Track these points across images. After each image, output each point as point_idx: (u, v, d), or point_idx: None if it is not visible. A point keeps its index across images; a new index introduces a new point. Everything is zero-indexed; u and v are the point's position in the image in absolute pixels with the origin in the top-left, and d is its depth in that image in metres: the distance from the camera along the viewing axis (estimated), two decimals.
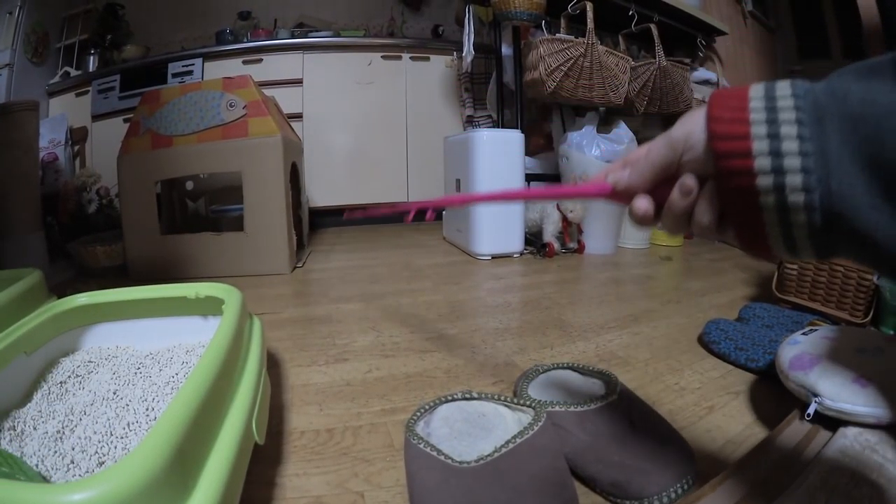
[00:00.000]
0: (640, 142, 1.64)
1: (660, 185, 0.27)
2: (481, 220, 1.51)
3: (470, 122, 2.25)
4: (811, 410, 0.49)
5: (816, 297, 0.95)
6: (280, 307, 1.04)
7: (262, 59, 2.12)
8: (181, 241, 1.32)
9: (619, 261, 1.57)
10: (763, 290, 1.17)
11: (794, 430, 0.49)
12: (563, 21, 1.63)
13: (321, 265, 1.47)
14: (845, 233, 0.20)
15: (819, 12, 2.21)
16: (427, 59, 2.27)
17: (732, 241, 0.25)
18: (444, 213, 1.87)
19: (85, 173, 1.83)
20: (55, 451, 0.41)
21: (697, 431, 0.56)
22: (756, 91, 0.22)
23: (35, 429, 0.45)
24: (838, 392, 0.48)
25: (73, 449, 0.41)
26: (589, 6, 1.50)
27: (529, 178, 1.73)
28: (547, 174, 1.83)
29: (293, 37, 2.27)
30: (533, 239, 1.66)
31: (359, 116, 2.23)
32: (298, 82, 2.15)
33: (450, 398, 0.54)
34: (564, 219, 1.55)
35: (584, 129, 1.59)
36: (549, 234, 1.57)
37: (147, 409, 0.47)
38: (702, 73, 1.94)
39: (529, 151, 1.83)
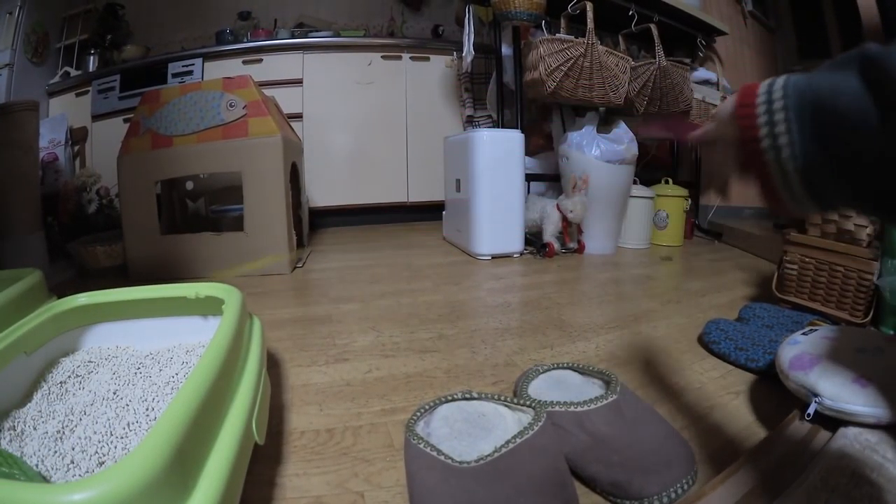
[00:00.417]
0: (640, 142, 1.64)
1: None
2: (481, 221, 1.51)
3: (470, 122, 2.25)
4: (811, 410, 0.49)
5: (816, 297, 0.95)
6: (280, 307, 1.04)
7: (262, 59, 2.12)
8: (181, 241, 1.32)
9: (619, 261, 1.57)
10: (763, 290, 1.17)
11: (794, 430, 0.49)
12: (563, 21, 1.63)
13: (321, 265, 1.47)
14: (820, 176, 0.29)
15: (819, 12, 2.21)
16: (427, 59, 2.27)
17: (754, 188, 0.34)
18: (444, 213, 1.87)
19: (85, 173, 1.83)
20: (55, 451, 0.41)
21: (697, 431, 0.56)
22: (762, 87, 0.32)
23: (35, 429, 0.45)
24: (838, 392, 0.48)
25: (73, 449, 0.41)
26: (589, 6, 1.50)
27: (529, 177, 1.73)
28: (547, 174, 1.83)
29: (293, 37, 2.27)
30: (533, 239, 1.66)
31: (359, 116, 2.23)
32: (298, 82, 2.15)
33: (450, 398, 0.54)
34: (564, 219, 1.55)
35: (584, 129, 1.59)
36: (549, 234, 1.57)
37: (147, 409, 0.47)
38: (702, 73, 1.94)
39: (529, 151, 1.83)
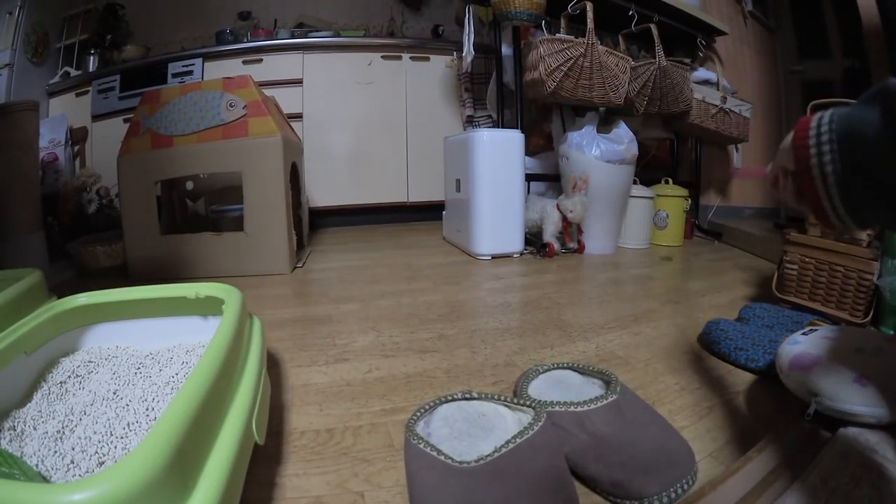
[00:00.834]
0: (639, 142, 1.64)
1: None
2: (481, 221, 1.51)
3: (470, 122, 2.25)
4: (811, 410, 0.49)
5: (816, 297, 0.95)
6: (280, 307, 1.04)
7: (262, 59, 2.12)
8: (181, 241, 1.32)
9: (619, 261, 1.57)
10: (763, 290, 1.17)
11: (794, 430, 0.49)
12: (563, 21, 1.63)
13: (321, 265, 1.47)
14: (862, 203, 0.35)
15: (819, 12, 2.21)
16: (427, 59, 2.27)
17: (806, 210, 0.40)
18: (444, 213, 1.87)
19: (85, 173, 1.83)
20: (55, 451, 0.41)
21: (697, 431, 0.56)
22: (813, 122, 0.38)
23: (35, 429, 0.45)
24: (838, 392, 0.48)
25: (73, 449, 0.41)
26: (589, 6, 1.50)
27: (529, 177, 1.73)
28: (547, 174, 1.83)
29: (293, 37, 2.27)
30: (533, 239, 1.66)
31: (359, 116, 2.23)
32: (298, 82, 2.15)
33: (450, 398, 0.54)
34: (564, 219, 1.55)
35: (584, 129, 1.59)
36: (549, 235, 1.57)
37: (147, 409, 0.47)
38: (702, 73, 1.94)
39: (529, 151, 1.83)
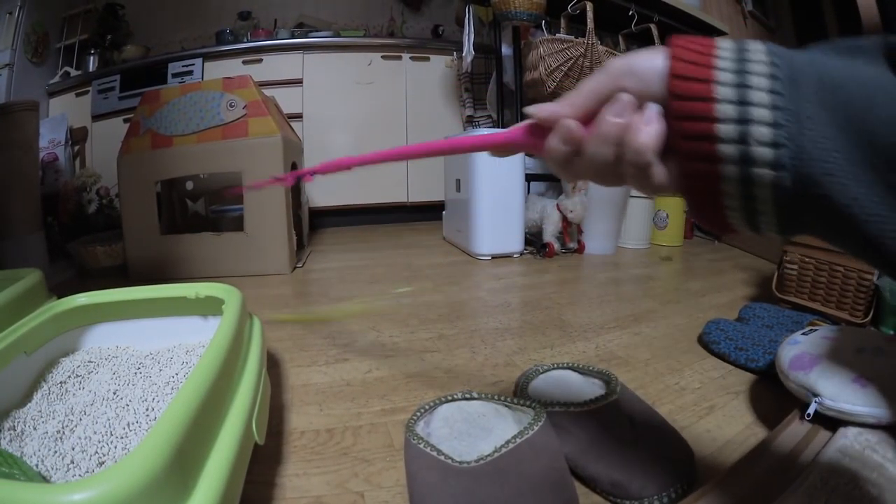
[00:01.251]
0: None
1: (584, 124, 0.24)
2: (481, 221, 1.51)
3: (470, 122, 2.25)
4: (811, 410, 0.49)
5: (816, 297, 0.95)
6: (280, 307, 1.04)
7: (262, 59, 2.12)
8: (181, 241, 1.32)
9: (619, 261, 1.57)
10: (763, 290, 1.17)
11: (794, 430, 0.49)
12: (563, 21, 1.63)
13: (321, 265, 1.47)
14: (816, 200, 0.19)
15: (819, 12, 2.21)
16: (427, 59, 2.27)
17: (678, 195, 0.23)
18: (444, 213, 1.87)
19: (85, 173, 1.83)
20: (55, 451, 0.41)
21: (697, 431, 0.56)
22: (725, 41, 0.21)
23: (35, 429, 0.45)
24: (838, 392, 0.48)
25: (73, 449, 0.41)
26: (589, 6, 1.50)
27: (529, 177, 1.73)
28: (547, 174, 1.83)
29: (293, 37, 2.27)
30: (533, 239, 1.66)
31: (359, 116, 2.23)
32: (298, 82, 2.15)
33: (450, 398, 0.54)
34: (564, 219, 1.55)
35: None
36: (549, 235, 1.57)
37: (147, 409, 0.47)
38: None
39: None
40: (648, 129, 0.21)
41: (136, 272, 1.31)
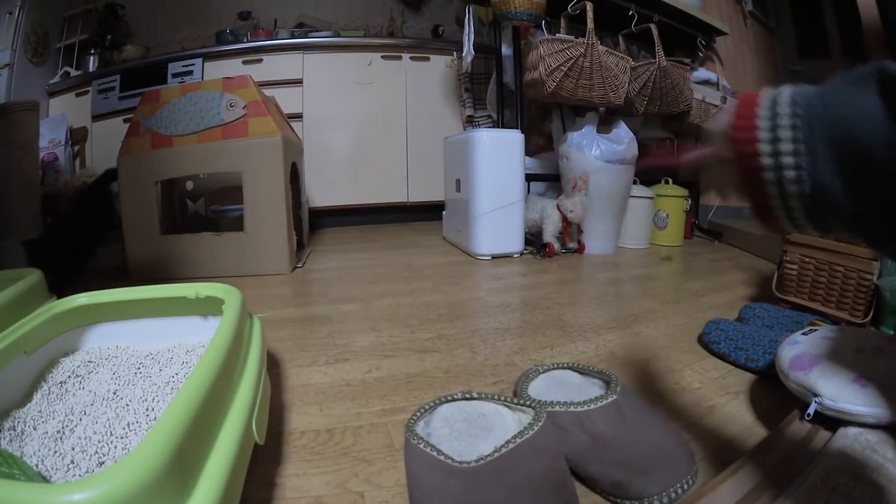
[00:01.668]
0: (639, 142, 1.64)
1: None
2: (481, 221, 1.51)
3: (470, 122, 2.25)
4: (811, 410, 0.49)
5: (816, 297, 0.95)
6: (280, 307, 1.04)
7: (262, 59, 2.12)
8: (181, 241, 1.32)
9: (619, 261, 1.57)
10: (763, 290, 1.17)
11: (794, 430, 0.49)
12: (563, 21, 1.63)
13: (321, 265, 1.47)
14: (831, 212, 0.26)
15: (819, 12, 2.21)
16: (427, 59, 2.27)
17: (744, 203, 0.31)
18: (444, 213, 1.87)
19: (85, 173, 1.84)
20: (55, 451, 0.41)
21: (697, 431, 0.56)
22: (764, 99, 0.28)
23: (35, 429, 0.45)
24: (838, 392, 0.48)
25: (73, 449, 0.41)
26: (589, 6, 1.50)
27: (529, 178, 1.73)
28: (547, 174, 1.83)
29: (293, 37, 2.27)
30: (533, 239, 1.66)
31: (359, 116, 2.23)
32: (298, 82, 2.15)
33: (450, 398, 0.54)
34: (564, 219, 1.55)
35: (584, 129, 1.59)
36: (549, 235, 1.57)
37: (147, 409, 0.47)
38: (702, 73, 1.94)
39: (529, 151, 1.83)
40: (726, 178, 0.32)
41: (136, 272, 1.31)
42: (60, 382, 0.53)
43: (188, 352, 0.61)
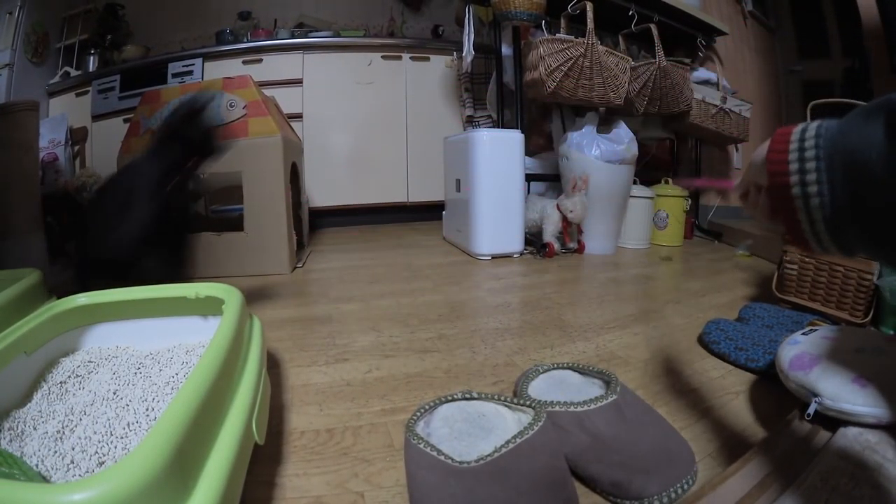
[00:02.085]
0: (639, 142, 1.64)
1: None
2: (481, 221, 1.51)
3: (470, 122, 2.25)
4: (811, 410, 0.49)
5: (816, 297, 0.95)
6: (280, 307, 1.04)
7: (262, 59, 2.12)
8: None
9: (619, 261, 1.57)
10: (763, 290, 1.17)
11: (794, 430, 0.49)
12: (563, 21, 1.63)
13: (321, 265, 1.47)
14: (849, 235, 0.29)
15: (819, 12, 2.21)
16: (427, 59, 2.27)
17: (781, 231, 0.34)
18: (444, 213, 1.87)
19: (85, 173, 1.83)
20: (55, 451, 0.41)
21: (697, 431, 0.56)
22: (795, 134, 0.31)
23: (35, 429, 0.45)
24: (838, 392, 0.48)
25: (73, 449, 0.41)
26: (589, 6, 1.50)
27: (529, 178, 1.73)
28: (547, 174, 1.83)
29: (293, 37, 2.27)
30: (533, 239, 1.66)
31: (359, 116, 2.23)
32: (298, 82, 2.15)
33: (450, 398, 0.54)
34: (564, 219, 1.55)
35: (584, 129, 1.59)
36: (549, 235, 1.57)
37: (147, 409, 0.47)
38: (702, 73, 1.94)
39: (529, 151, 1.83)
40: (762, 200, 0.36)
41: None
42: (60, 382, 0.53)
43: (188, 352, 0.61)
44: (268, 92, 1.54)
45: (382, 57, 2.22)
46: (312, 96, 2.17)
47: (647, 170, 1.96)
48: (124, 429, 0.44)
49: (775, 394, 0.62)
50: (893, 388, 0.46)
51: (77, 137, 2.20)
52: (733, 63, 2.20)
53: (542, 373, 0.63)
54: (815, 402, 0.49)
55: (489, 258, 1.52)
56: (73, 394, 0.51)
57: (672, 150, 2.16)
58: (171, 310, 0.63)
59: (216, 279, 0.68)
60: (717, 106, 1.85)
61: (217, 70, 2.06)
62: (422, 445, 0.45)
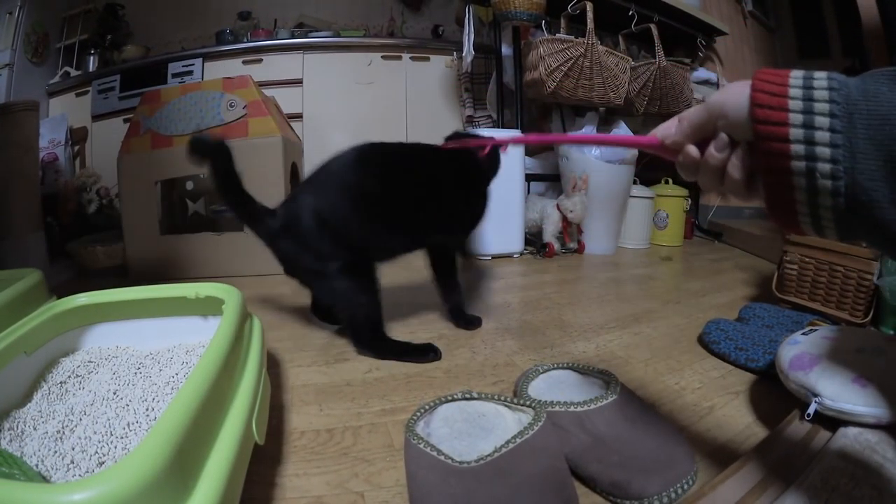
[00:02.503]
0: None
1: (700, 144, 0.31)
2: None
3: (470, 122, 2.24)
4: (811, 410, 0.49)
5: (816, 297, 0.95)
6: (280, 307, 1.04)
7: (262, 59, 2.12)
8: (181, 241, 1.32)
9: (619, 261, 1.57)
10: (763, 290, 1.17)
11: (794, 430, 0.49)
12: (563, 21, 1.63)
13: None
14: (866, 220, 0.23)
15: (819, 12, 2.21)
16: (427, 59, 2.27)
17: (761, 202, 0.27)
18: None
19: (85, 173, 1.83)
20: (55, 451, 0.41)
21: (697, 431, 0.56)
22: (796, 79, 0.24)
23: (35, 429, 0.45)
24: (838, 392, 0.48)
25: (73, 449, 0.41)
26: (589, 6, 1.50)
27: (529, 178, 1.73)
28: (547, 174, 1.83)
29: (293, 37, 2.27)
30: (533, 239, 1.66)
31: (359, 116, 2.23)
32: (298, 82, 2.15)
33: (450, 398, 0.54)
34: (564, 219, 1.55)
35: (584, 129, 1.59)
36: (549, 234, 1.57)
37: (147, 409, 0.47)
38: (702, 73, 1.94)
39: (529, 151, 1.83)
40: (737, 163, 0.28)
41: (136, 272, 1.31)
42: (60, 382, 0.53)
43: (188, 352, 0.61)
44: (268, 92, 1.54)
45: (382, 57, 2.22)
46: (312, 96, 2.17)
47: (647, 170, 1.96)
48: (124, 429, 0.44)
49: (775, 394, 0.62)
50: (893, 389, 0.46)
51: (77, 137, 2.20)
52: (733, 63, 2.20)
53: (542, 373, 0.63)
54: (815, 402, 0.49)
55: (489, 258, 1.52)
56: (73, 394, 0.51)
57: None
58: (171, 310, 0.63)
59: (216, 279, 0.68)
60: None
61: (217, 70, 2.06)
62: (422, 445, 0.45)
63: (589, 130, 1.59)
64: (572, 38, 1.49)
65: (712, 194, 2.07)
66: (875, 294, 0.84)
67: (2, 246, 1.28)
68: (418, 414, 0.51)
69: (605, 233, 1.65)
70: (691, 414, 0.60)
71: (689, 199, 1.87)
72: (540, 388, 0.60)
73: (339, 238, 0.72)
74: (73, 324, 0.60)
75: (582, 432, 0.48)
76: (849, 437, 0.45)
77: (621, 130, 1.60)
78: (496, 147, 0.80)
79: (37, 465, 0.39)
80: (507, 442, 0.45)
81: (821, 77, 0.24)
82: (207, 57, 2.12)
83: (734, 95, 0.27)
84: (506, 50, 1.77)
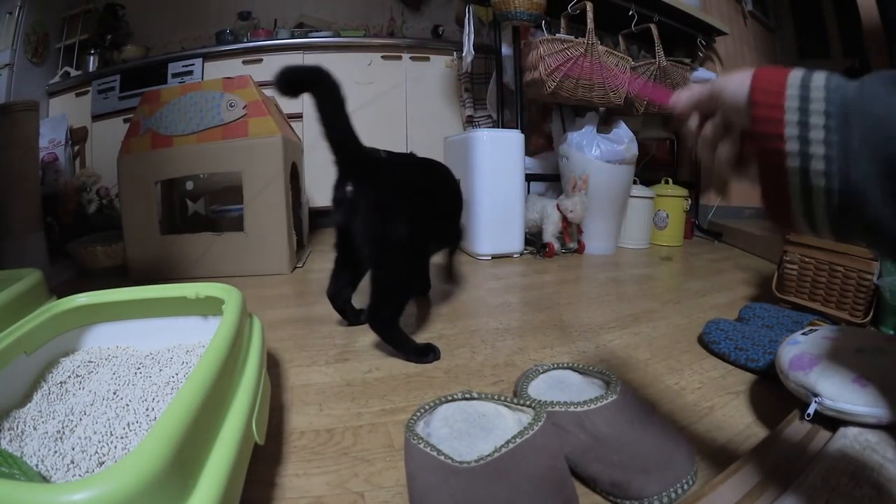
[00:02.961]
0: (639, 142, 1.64)
1: (703, 118, 0.33)
2: (481, 221, 1.51)
3: (470, 122, 2.25)
4: (811, 410, 0.49)
5: (816, 297, 0.95)
6: (280, 307, 1.04)
7: (262, 60, 2.12)
8: (181, 241, 1.32)
9: (619, 261, 1.57)
10: (763, 290, 1.17)
11: (794, 430, 0.49)
12: (563, 21, 1.63)
13: (321, 265, 1.47)
14: (859, 220, 0.23)
15: (819, 12, 2.21)
16: (427, 59, 2.27)
17: (746, 181, 0.29)
18: None
19: (85, 173, 1.83)
20: (55, 451, 0.41)
21: (697, 431, 0.56)
22: (794, 78, 0.25)
23: (35, 429, 0.45)
24: (838, 392, 0.48)
25: (73, 449, 0.41)
26: (589, 6, 1.50)
27: (529, 177, 1.73)
28: (547, 174, 1.83)
29: (293, 37, 2.27)
30: (533, 239, 1.66)
31: (359, 116, 2.20)
32: None
33: (450, 398, 0.54)
34: (564, 219, 1.55)
35: (584, 129, 1.59)
36: (549, 235, 1.57)
37: (147, 409, 0.47)
38: (702, 73, 1.94)
39: (529, 151, 1.83)
40: (728, 144, 0.30)
41: (136, 272, 1.31)
42: (60, 382, 0.53)
43: (188, 352, 0.61)
44: (268, 92, 1.54)
45: (382, 57, 2.22)
46: None
47: (647, 170, 1.96)
48: (124, 429, 0.44)
49: (775, 394, 0.62)
50: (894, 389, 0.46)
51: (77, 137, 2.20)
52: (733, 63, 2.20)
53: (542, 373, 0.63)
54: (815, 402, 0.49)
55: (489, 258, 1.52)
56: (74, 394, 0.51)
57: (672, 150, 2.16)
58: (171, 310, 0.63)
59: (216, 279, 0.68)
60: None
61: (217, 70, 2.06)
62: (422, 445, 0.45)
63: (589, 130, 1.59)
64: (572, 38, 1.49)
65: (712, 193, 2.09)
66: (875, 294, 0.84)
67: (2, 246, 1.28)
68: (418, 414, 0.51)
69: (605, 233, 1.65)
70: (691, 414, 0.60)
71: (689, 200, 1.87)
72: (540, 388, 0.60)
73: (418, 228, 0.80)
74: (73, 324, 0.60)
75: (582, 432, 0.48)
76: (849, 437, 0.45)
77: (621, 130, 1.60)
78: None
79: (37, 465, 0.39)
80: (507, 442, 0.45)
81: (819, 77, 0.24)
82: (207, 57, 2.12)
83: (734, 85, 0.29)
84: (506, 50, 1.77)
